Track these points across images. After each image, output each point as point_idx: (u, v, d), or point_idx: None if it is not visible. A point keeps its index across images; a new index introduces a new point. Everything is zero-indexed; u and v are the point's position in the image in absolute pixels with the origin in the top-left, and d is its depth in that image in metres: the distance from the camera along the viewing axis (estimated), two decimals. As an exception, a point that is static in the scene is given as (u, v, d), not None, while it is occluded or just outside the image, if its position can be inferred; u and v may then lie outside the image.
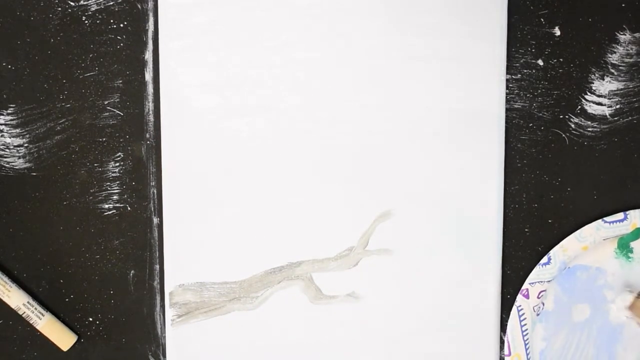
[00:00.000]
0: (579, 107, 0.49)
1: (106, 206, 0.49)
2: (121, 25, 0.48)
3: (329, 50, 0.48)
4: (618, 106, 0.50)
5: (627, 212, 0.49)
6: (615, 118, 0.50)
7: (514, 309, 0.49)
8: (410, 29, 0.48)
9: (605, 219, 0.49)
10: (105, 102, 0.49)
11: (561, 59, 0.49)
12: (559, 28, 0.49)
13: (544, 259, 0.49)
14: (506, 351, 0.50)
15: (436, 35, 0.48)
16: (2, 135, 0.48)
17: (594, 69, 0.49)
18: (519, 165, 0.50)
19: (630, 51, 0.49)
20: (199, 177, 0.49)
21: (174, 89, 0.48)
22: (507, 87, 0.49)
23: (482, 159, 0.49)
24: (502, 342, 0.50)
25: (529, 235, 0.50)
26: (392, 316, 0.50)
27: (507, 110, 0.49)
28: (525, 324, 0.50)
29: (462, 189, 0.49)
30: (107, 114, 0.49)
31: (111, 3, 0.48)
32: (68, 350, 0.49)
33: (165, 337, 0.50)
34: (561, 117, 0.50)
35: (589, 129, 0.50)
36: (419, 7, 0.48)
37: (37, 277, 0.49)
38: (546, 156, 0.50)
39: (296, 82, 0.48)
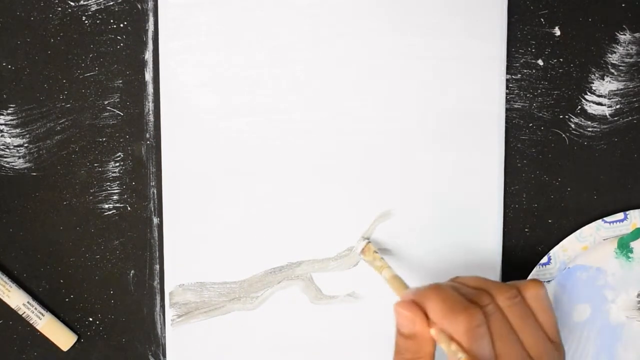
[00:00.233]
0: (579, 107, 0.49)
1: (106, 206, 0.49)
2: (121, 25, 0.48)
3: (329, 50, 0.48)
4: (618, 106, 0.50)
5: (627, 212, 0.49)
6: (615, 118, 0.50)
7: (514, 309, 0.50)
8: (410, 29, 0.48)
9: (605, 219, 0.49)
10: (105, 102, 0.49)
11: (561, 59, 0.49)
12: (559, 28, 0.49)
13: (544, 259, 0.49)
14: (506, 351, 0.50)
15: (436, 35, 0.48)
16: (2, 135, 0.48)
17: (594, 69, 0.49)
18: (519, 165, 0.50)
19: (630, 51, 0.49)
20: (199, 177, 0.49)
21: (174, 89, 0.48)
22: (507, 87, 0.49)
23: (482, 159, 0.49)
24: (502, 342, 0.50)
25: (529, 235, 0.50)
26: (392, 316, 0.49)
27: (507, 110, 0.49)
28: (525, 324, 0.50)
29: (462, 189, 0.49)
30: (107, 114, 0.49)
31: (111, 3, 0.48)
32: (68, 350, 0.49)
33: (165, 337, 0.50)
34: (561, 117, 0.50)
35: (589, 129, 0.50)
36: (419, 7, 0.48)
37: (37, 277, 0.49)
38: (546, 156, 0.50)
39: (296, 82, 0.48)
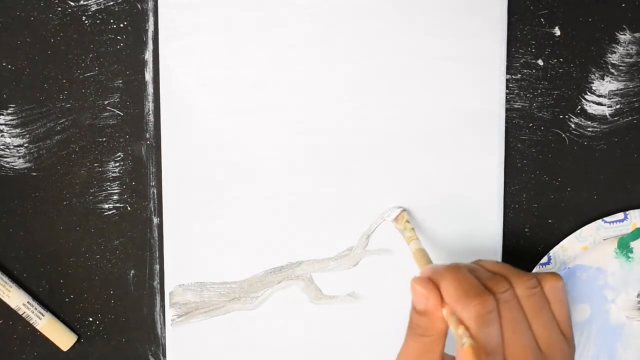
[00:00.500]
0: (579, 107, 0.49)
1: (106, 206, 0.49)
2: (121, 25, 0.48)
3: (329, 50, 0.48)
4: (618, 106, 0.50)
5: (627, 212, 0.49)
6: (615, 118, 0.50)
7: (514, 309, 0.50)
8: (410, 29, 0.48)
9: (605, 219, 0.49)
10: (105, 102, 0.49)
11: (561, 59, 0.49)
12: (559, 28, 0.49)
13: (544, 259, 0.49)
14: (506, 351, 0.50)
15: (436, 35, 0.48)
16: (2, 135, 0.48)
17: (594, 69, 0.49)
18: (519, 165, 0.50)
19: (630, 51, 0.49)
20: (199, 177, 0.49)
21: (174, 89, 0.48)
22: (507, 87, 0.49)
23: (482, 159, 0.49)
24: (502, 342, 0.50)
25: (529, 235, 0.50)
26: (392, 316, 0.50)
27: (507, 110, 0.49)
28: (525, 324, 0.50)
29: (462, 189, 0.49)
30: (107, 114, 0.49)
31: (111, 3, 0.48)
32: (68, 350, 0.49)
33: (165, 337, 0.50)
34: (561, 117, 0.50)
35: (589, 129, 0.50)
36: (419, 7, 0.48)
37: (37, 277, 0.49)
38: (546, 156, 0.50)
39: (296, 82, 0.48)
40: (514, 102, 0.49)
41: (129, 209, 0.49)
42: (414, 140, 0.49)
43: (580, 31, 0.49)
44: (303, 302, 0.49)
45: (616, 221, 0.49)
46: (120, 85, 0.48)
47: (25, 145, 0.49)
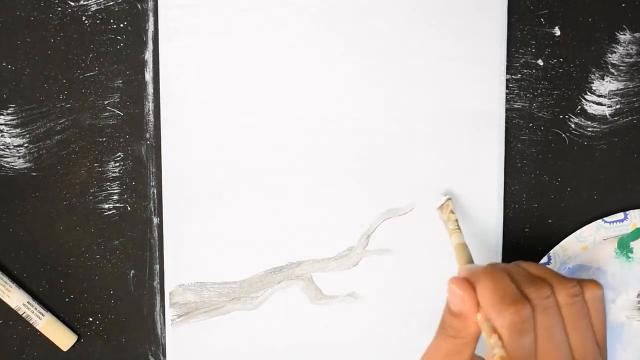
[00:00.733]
0: (579, 107, 0.49)
1: (106, 206, 0.49)
2: (121, 25, 0.48)
3: (329, 50, 0.48)
4: (618, 106, 0.50)
5: (627, 212, 0.49)
6: (615, 118, 0.50)
7: (514, 309, 0.49)
8: (410, 29, 0.48)
9: (605, 219, 0.49)
10: (105, 102, 0.49)
11: (561, 59, 0.49)
12: (559, 28, 0.49)
13: (544, 259, 0.49)
14: (506, 351, 0.50)
15: (436, 35, 0.48)
16: (2, 135, 0.48)
17: (594, 69, 0.49)
18: (519, 165, 0.50)
19: (630, 51, 0.49)
20: (199, 177, 0.49)
21: (174, 89, 0.48)
22: (507, 87, 0.49)
23: (482, 159, 0.49)
24: (502, 342, 0.50)
25: (529, 235, 0.50)
26: (392, 316, 0.50)
27: (507, 110, 0.49)
28: (525, 324, 0.50)
29: (462, 188, 0.49)
30: (107, 114, 0.49)
31: (111, 3, 0.48)
32: (68, 350, 0.49)
33: (165, 337, 0.50)
34: (561, 117, 0.50)
35: (589, 129, 0.50)
36: (419, 7, 0.48)
37: (37, 277, 0.49)
38: (546, 156, 0.50)
39: (296, 82, 0.48)
40: (514, 102, 0.49)
41: (129, 209, 0.49)
42: (414, 140, 0.49)
43: (580, 31, 0.49)
44: (303, 302, 0.49)
45: (616, 221, 0.49)
46: (120, 85, 0.48)
47: (25, 145, 0.49)
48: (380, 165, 0.49)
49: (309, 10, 0.48)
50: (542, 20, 0.49)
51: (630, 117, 0.50)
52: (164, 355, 0.50)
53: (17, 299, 0.48)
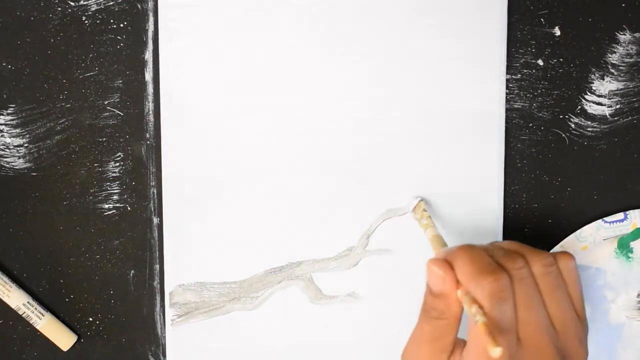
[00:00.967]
0: (579, 107, 0.49)
1: (106, 206, 0.49)
2: (121, 25, 0.48)
3: (329, 50, 0.48)
4: (618, 106, 0.50)
5: (627, 212, 0.49)
6: (615, 118, 0.50)
7: (514, 309, 0.49)
8: (410, 29, 0.48)
9: (605, 219, 0.49)
10: (105, 102, 0.49)
11: (561, 59, 0.49)
12: (559, 28, 0.49)
13: (544, 259, 0.49)
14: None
15: (436, 35, 0.48)
16: (2, 135, 0.48)
17: (594, 69, 0.49)
18: (519, 165, 0.50)
19: (630, 51, 0.49)
20: (199, 177, 0.49)
21: (174, 89, 0.48)
22: (507, 87, 0.49)
23: (482, 159, 0.49)
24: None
25: (529, 235, 0.50)
26: (392, 316, 0.50)
27: (507, 110, 0.49)
28: (525, 324, 0.50)
29: (462, 188, 0.49)
30: (107, 114, 0.49)
31: (111, 3, 0.48)
32: (68, 350, 0.49)
33: (165, 337, 0.50)
34: (561, 117, 0.50)
35: (589, 129, 0.50)
36: (419, 7, 0.48)
37: (37, 277, 0.49)
38: (546, 156, 0.50)
39: (296, 81, 0.48)
40: (514, 102, 0.49)
41: (129, 209, 0.49)
42: (414, 140, 0.49)
43: (580, 31, 0.49)
44: (303, 302, 0.49)
45: (616, 221, 0.49)
46: (120, 85, 0.48)
47: (25, 145, 0.49)
48: (380, 165, 0.49)
49: (309, 10, 0.48)
50: (542, 20, 0.49)
51: (630, 117, 0.50)
52: (164, 355, 0.50)
53: (17, 299, 0.48)
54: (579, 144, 0.50)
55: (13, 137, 0.48)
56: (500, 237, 0.49)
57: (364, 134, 0.49)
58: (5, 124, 0.48)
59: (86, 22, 0.48)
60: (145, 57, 0.48)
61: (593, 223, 0.49)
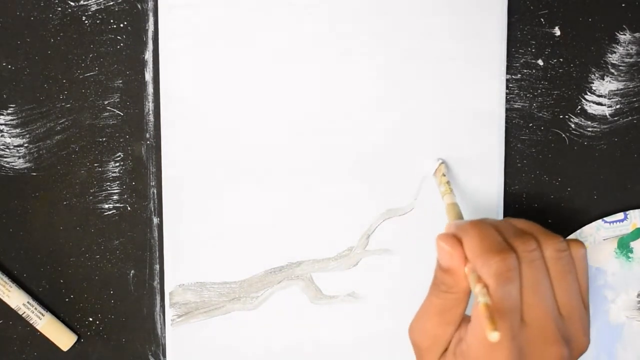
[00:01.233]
0: (579, 107, 0.49)
1: (106, 206, 0.49)
2: (121, 25, 0.48)
3: (329, 50, 0.48)
4: (618, 106, 0.50)
5: (627, 212, 0.49)
6: (615, 118, 0.50)
7: (514, 309, 0.49)
8: (410, 29, 0.48)
9: (605, 219, 0.49)
10: (105, 102, 0.49)
11: (561, 59, 0.49)
12: (559, 28, 0.49)
13: (544, 259, 0.49)
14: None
15: (436, 35, 0.48)
16: (2, 135, 0.48)
17: (594, 69, 0.49)
18: (519, 165, 0.50)
19: (630, 51, 0.49)
20: (198, 177, 0.49)
21: (174, 89, 0.48)
22: (507, 87, 0.49)
23: (482, 159, 0.49)
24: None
25: (529, 235, 0.50)
26: (392, 316, 0.50)
27: (507, 110, 0.49)
28: (525, 324, 0.50)
29: (463, 189, 0.49)
30: (107, 114, 0.49)
31: (111, 3, 0.48)
32: (68, 350, 0.49)
33: (165, 337, 0.50)
34: (561, 117, 0.50)
35: (589, 129, 0.50)
36: (419, 7, 0.48)
37: (37, 277, 0.49)
38: (546, 156, 0.50)
39: (296, 82, 0.48)
40: (514, 102, 0.49)
41: (129, 209, 0.49)
42: (414, 140, 0.49)
43: (580, 31, 0.49)
44: (303, 302, 0.49)
45: (616, 221, 0.49)
46: (120, 85, 0.48)
47: (25, 145, 0.49)
48: (380, 165, 0.49)
49: (309, 10, 0.48)
50: (542, 20, 0.49)
51: (630, 117, 0.50)
52: (164, 355, 0.50)
53: (17, 299, 0.48)
54: (579, 144, 0.50)
55: (13, 137, 0.48)
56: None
57: (364, 133, 0.49)
58: (5, 124, 0.48)
59: (86, 22, 0.48)
60: (145, 57, 0.48)
61: (593, 223, 0.49)
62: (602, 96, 0.49)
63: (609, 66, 0.49)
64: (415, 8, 0.48)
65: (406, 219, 0.49)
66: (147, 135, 0.49)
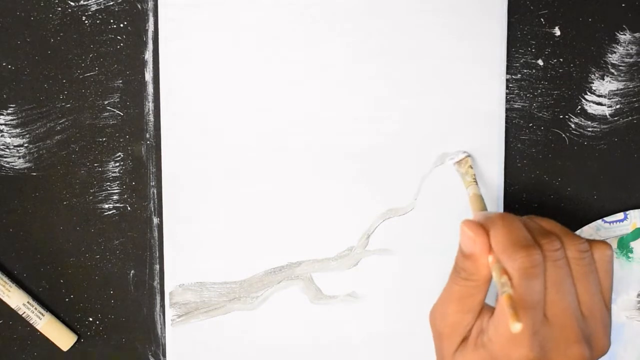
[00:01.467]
0: (579, 107, 0.50)
1: (106, 206, 0.49)
2: (121, 25, 0.48)
3: (328, 50, 0.48)
4: (618, 106, 0.50)
5: (627, 212, 0.49)
6: (615, 118, 0.50)
7: (514, 309, 0.49)
8: (410, 29, 0.48)
9: (605, 219, 0.49)
10: (105, 102, 0.49)
11: (561, 59, 0.49)
12: (559, 28, 0.49)
13: (544, 259, 0.49)
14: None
15: (436, 35, 0.48)
16: (2, 135, 0.48)
17: (594, 69, 0.49)
18: (519, 165, 0.50)
19: (630, 51, 0.49)
20: (198, 177, 0.49)
21: (174, 89, 0.48)
22: (507, 87, 0.49)
23: (482, 158, 0.49)
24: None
25: (529, 235, 0.50)
26: (392, 316, 0.50)
27: (507, 110, 0.49)
28: (525, 324, 0.50)
29: (463, 189, 0.49)
30: (107, 114, 0.49)
31: (111, 3, 0.48)
32: (68, 350, 0.49)
33: (165, 337, 0.50)
34: (561, 117, 0.50)
35: (589, 129, 0.50)
36: (419, 7, 0.48)
37: (37, 277, 0.49)
38: (546, 156, 0.50)
39: (296, 82, 0.48)
40: (514, 102, 0.49)
41: (129, 209, 0.49)
42: (414, 140, 0.49)
43: (580, 31, 0.49)
44: (303, 302, 0.49)
45: (616, 221, 0.49)
46: (120, 85, 0.48)
47: (25, 145, 0.49)
48: (380, 165, 0.49)
49: (310, 10, 0.48)
50: (542, 20, 0.49)
51: (630, 117, 0.50)
52: (164, 355, 0.50)
53: (17, 299, 0.48)
54: (579, 144, 0.50)
55: (13, 137, 0.48)
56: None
57: (364, 133, 0.49)
58: (5, 124, 0.48)
59: (86, 22, 0.48)
60: (145, 57, 0.48)
61: (593, 223, 0.49)
62: (602, 96, 0.49)
63: (609, 66, 0.49)
64: (416, 8, 0.48)
65: (406, 219, 0.49)
66: (147, 135, 0.49)
